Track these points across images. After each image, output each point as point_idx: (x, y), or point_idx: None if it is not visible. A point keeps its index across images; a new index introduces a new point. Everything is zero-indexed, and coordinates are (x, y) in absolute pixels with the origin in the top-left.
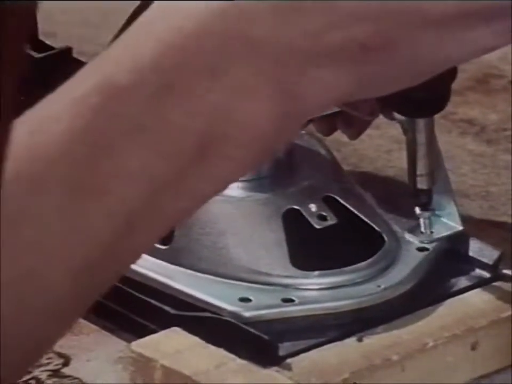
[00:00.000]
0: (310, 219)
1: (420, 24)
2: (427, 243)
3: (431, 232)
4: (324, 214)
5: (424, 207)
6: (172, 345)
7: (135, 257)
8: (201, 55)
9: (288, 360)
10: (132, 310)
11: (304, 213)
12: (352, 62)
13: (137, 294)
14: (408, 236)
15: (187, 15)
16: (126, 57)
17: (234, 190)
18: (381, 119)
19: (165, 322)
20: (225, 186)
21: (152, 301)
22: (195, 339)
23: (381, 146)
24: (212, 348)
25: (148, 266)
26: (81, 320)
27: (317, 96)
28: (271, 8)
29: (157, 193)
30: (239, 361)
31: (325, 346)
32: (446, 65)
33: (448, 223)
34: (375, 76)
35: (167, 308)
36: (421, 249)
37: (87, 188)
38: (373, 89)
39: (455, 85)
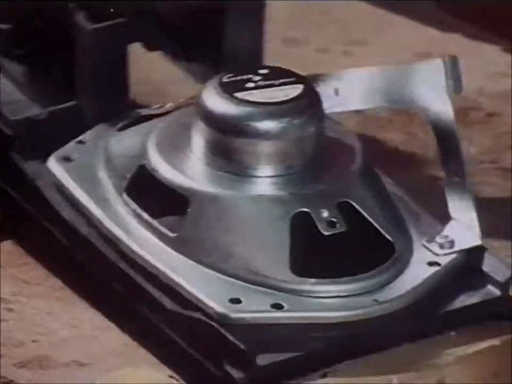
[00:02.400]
0: (318, 224)
1: None
2: (441, 256)
3: (448, 245)
4: (334, 220)
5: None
6: (137, 381)
7: None
8: None
9: None
10: (133, 294)
11: (314, 217)
12: None
13: (139, 279)
14: (425, 247)
15: None
16: None
17: (251, 186)
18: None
19: (160, 313)
20: None
21: (151, 290)
22: (160, 375)
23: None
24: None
25: (155, 252)
26: (50, 354)
27: None
28: None
29: None
30: None
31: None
32: None
33: (467, 235)
34: None
35: (164, 301)
36: (431, 264)
37: None
38: None
39: None
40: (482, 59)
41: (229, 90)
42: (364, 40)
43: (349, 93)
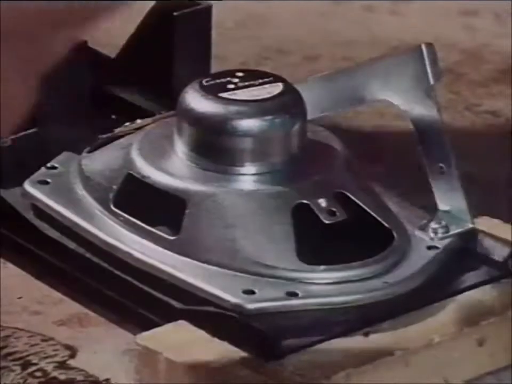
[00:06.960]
0: (319, 214)
1: None
2: (438, 240)
3: (442, 230)
4: (333, 209)
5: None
6: (176, 338)
7: None
8: None
9: (292, 354)
10: (138, 302)
11: (313, 208)
12: None
13: (143, 285)
14: (418, 234)
15: None
16: None
17: (246, 182)
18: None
19: (169, 315)
20: None
21: (158, 294)
22: (200, 332)
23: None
24: (216, 341)
25: (155, 256)
26: (90, 312)
27: None
28: None
29: None
30: (243, 354)
31: (330, 340)
32: None
33: (459, 220)
34: None
35: (172, 302)
36: (430, 248)
37: None
38: None
39: (479, 76)
40: None
41: (212, 91)
42: None
43: (317, 100)
